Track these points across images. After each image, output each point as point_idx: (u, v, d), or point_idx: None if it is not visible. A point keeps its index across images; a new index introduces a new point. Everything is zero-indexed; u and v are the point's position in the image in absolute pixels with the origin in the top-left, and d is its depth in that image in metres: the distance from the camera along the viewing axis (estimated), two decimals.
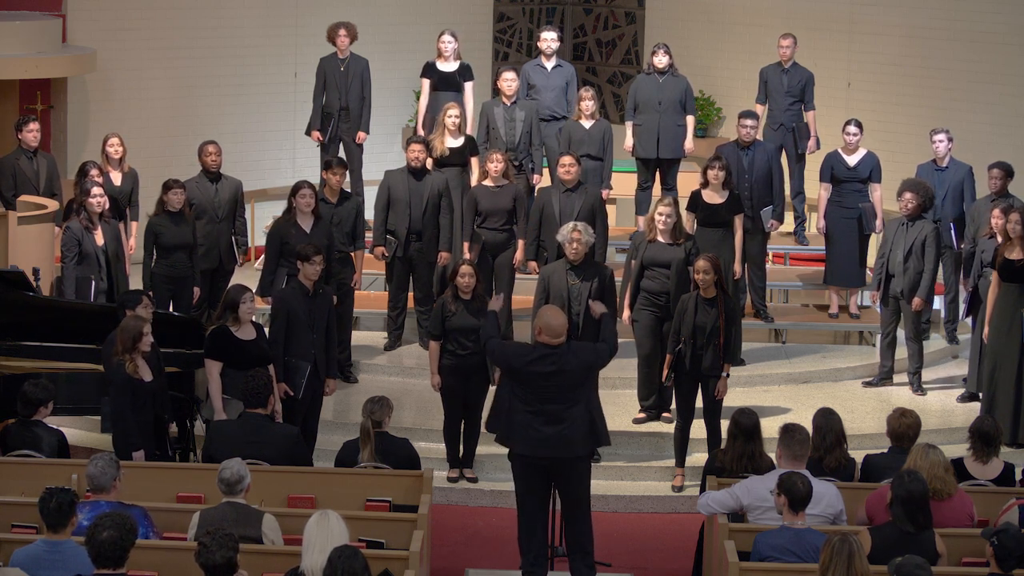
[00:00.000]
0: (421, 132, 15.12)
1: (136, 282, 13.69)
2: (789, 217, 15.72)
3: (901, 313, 13.84)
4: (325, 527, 8.07)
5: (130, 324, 10.69)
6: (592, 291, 12.27)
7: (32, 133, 14.32)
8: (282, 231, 13.09)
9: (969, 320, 13.96)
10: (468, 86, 15.42)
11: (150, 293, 12.39)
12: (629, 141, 15.32)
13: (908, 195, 13.66)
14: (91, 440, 12.60)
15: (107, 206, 13.29)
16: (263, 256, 13.78)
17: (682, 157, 15.47)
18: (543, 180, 14.92)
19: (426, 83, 15.39)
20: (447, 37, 15.37)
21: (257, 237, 16.27)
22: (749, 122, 14.55)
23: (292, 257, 12.75)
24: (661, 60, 15.20)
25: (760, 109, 15.85)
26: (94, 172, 13.64)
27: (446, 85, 15.30)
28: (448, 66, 15.36)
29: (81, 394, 11.56)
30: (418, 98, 15.96)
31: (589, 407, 10.14)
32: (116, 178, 14.19)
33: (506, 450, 10.40)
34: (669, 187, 15.33)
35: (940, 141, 14.54)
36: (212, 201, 13.92)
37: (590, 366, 10.21)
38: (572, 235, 12.29)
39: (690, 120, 15.34)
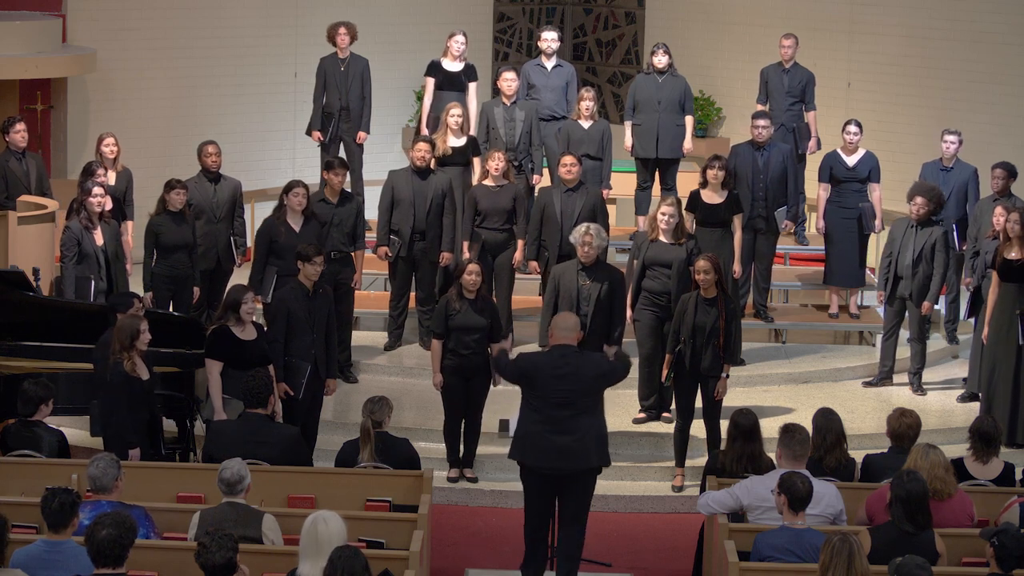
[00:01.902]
0: (425, 131, 15.12)
1: (136, 282, 13.70)
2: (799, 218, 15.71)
3: (906, 314, 13.83)
4: (324, 531, 8.06)
5: (127, 323, 10.73)
6: (602, 292, 12.28)
7: (19, 134, 14.28)
8: (272, 230, 13.09)
9: (972, 320, 13.97)
10: (472, 86, 15.43)
11: (140, 295, 12.35)
12: (628, 141, 15.33)
13: (920, 200, 13.60)
14: (91, 440, 12.57)
15: (107, 206, 13.29)
16: (253, 254, 13.74)
17: (681, 157, 15.48)
18: (543, 180, 14.93)
19: (430, 82, 15.39)
20: (460, 37, 15.38)
21: None
22: (762, 122, 14.55)
23: (281, 255, 12.78)
24: (660, 60, 15.21)
25: (760, 109, 15.84)
26: (99, 172, 13.63)
27: (450, 85, 15.31)
28: (454, 66, 15.37)
29: (81, 394, 11.55)
30: (418, 98, 15.99)
31: (599, 422, 10.19)
32: (110, 177, 14.18)
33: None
34: (668, 187, 15.33)
35: (952, 142, 14.52)
36: (211, 201, 13.92)
37: (604, 375, 10.23)
38: (584, 238, 12.30)
39: (689, 120, 15.35)
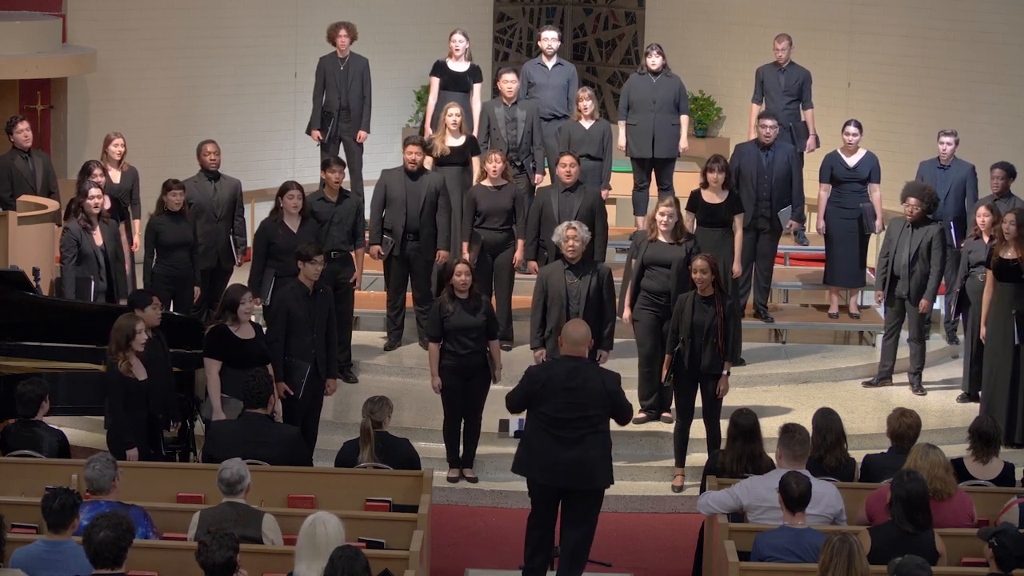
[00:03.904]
0: (429, 130, 15.12)
1: (139, 282, 13.71)
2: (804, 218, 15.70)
3: (905, 314, 13.84)
4: (322, 533, 8.06)
5: (123, 323, 10.73)
6: (591, 289, 12.28)
7: (23, 133, 14.29)
8: (269, 231, 13.11)
9: (960, 319, 14.01)
10: (476, 87, 15.45)
11: (158, 293, 12.35)
12: (622, 140, 15.34)
13: (913, 200, 13.61)
14: (91, 440, 12.60)
15: (105, 206, 13.30)
16: (252, 256, 13.73)
17: (676, 157, 15.48)
18: (544, 180, 14.93)
19: (435, 81, 15.39)
20: (458, 37, 15.38)
21: None
22: (769, 122, 14.56)
23: (279, 257, 12.77)
24: (655, 61, 15.21)
25: (755, 109, 15.85)
26: (97, 171, 13.63)
27: (455, 85, 15.32)
28: (459, 66, 15.38)
29: (81, 394, 11.56)
30: (418, 98, 15.92)
31: (606, 441, 10.15)
32: (115, 176, 14.20)
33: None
34: (665, 187, 15.34)
35: (948, 143, 14.53)
36: (211, 200, 13.93)
37: (611, 394, 10.14)
38: (567, 233, 12.30)
39: (684, 120, 15.34)
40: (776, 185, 14.45)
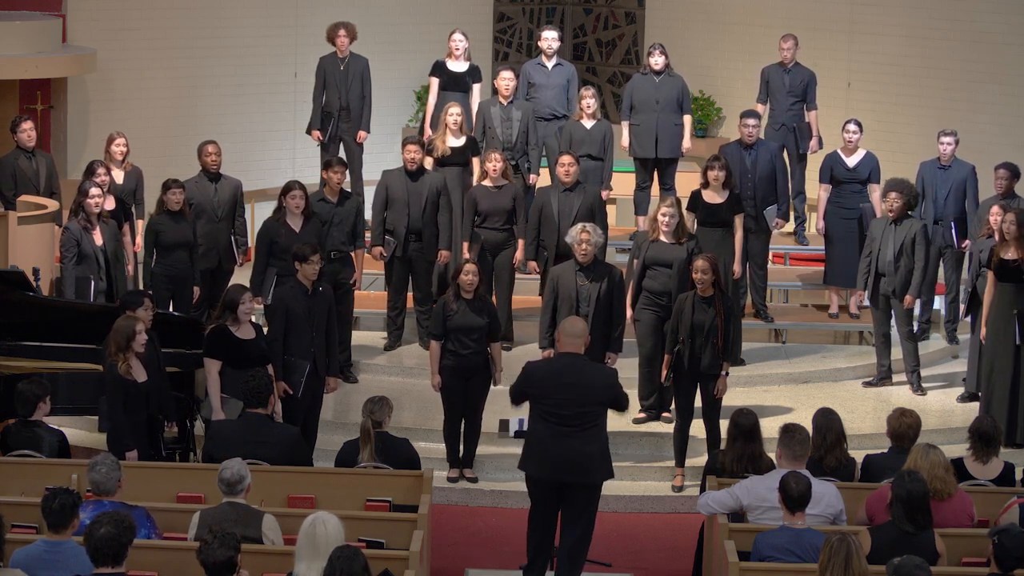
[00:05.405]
0: (429, 130, 15.13)
1: (140, 282, 13.72)
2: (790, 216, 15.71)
3: (892, 312, 13.84)
4: (322, 533, 8.06)
5: (122, 324, 10.71)
6: (601, 291, 12.28)
7: (26, 133, 14.30)
8: (272, 231, 13.11)
9: (969, 319, 13.99)
10: (476, 87, 15.44)
11: (151, 293, 12.39)
12: (625, 140, 15.34)
13: (893, 195, 13.66)
14: (91, 440, 12.60)
15: (107, 206, 13.30)
16: (254, 256, 13.74)
17: (680, 157, 15.47)
18: (543, 179, 14.93)
19: (435, 82, 15.39)
20: (458, 36, 15.38)
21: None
22: (751, 121, 14.56)
23: (281, 256, 12.78)
24: (657, 61, 15.20)
25: (761, 109, 15.83)
26: (101, 171, 13.63)
27: (455, 85, 15.32)
28: (458, 66, 15.38)
29: (81, 394, 11.56)
30: (418, 98, 15.86)
31: (604, 436, 10.19)
32: (118, 176, 14.21)
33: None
34: (667, 187, 15.33)
35: (948, 143, 14.52)
36: (211, 201, 13.94)
37: (608, 388, 10.20)
38: (581, 236, 12.30)
39: (687, 119, 15.33)
40: (759, 184, 14.44)
